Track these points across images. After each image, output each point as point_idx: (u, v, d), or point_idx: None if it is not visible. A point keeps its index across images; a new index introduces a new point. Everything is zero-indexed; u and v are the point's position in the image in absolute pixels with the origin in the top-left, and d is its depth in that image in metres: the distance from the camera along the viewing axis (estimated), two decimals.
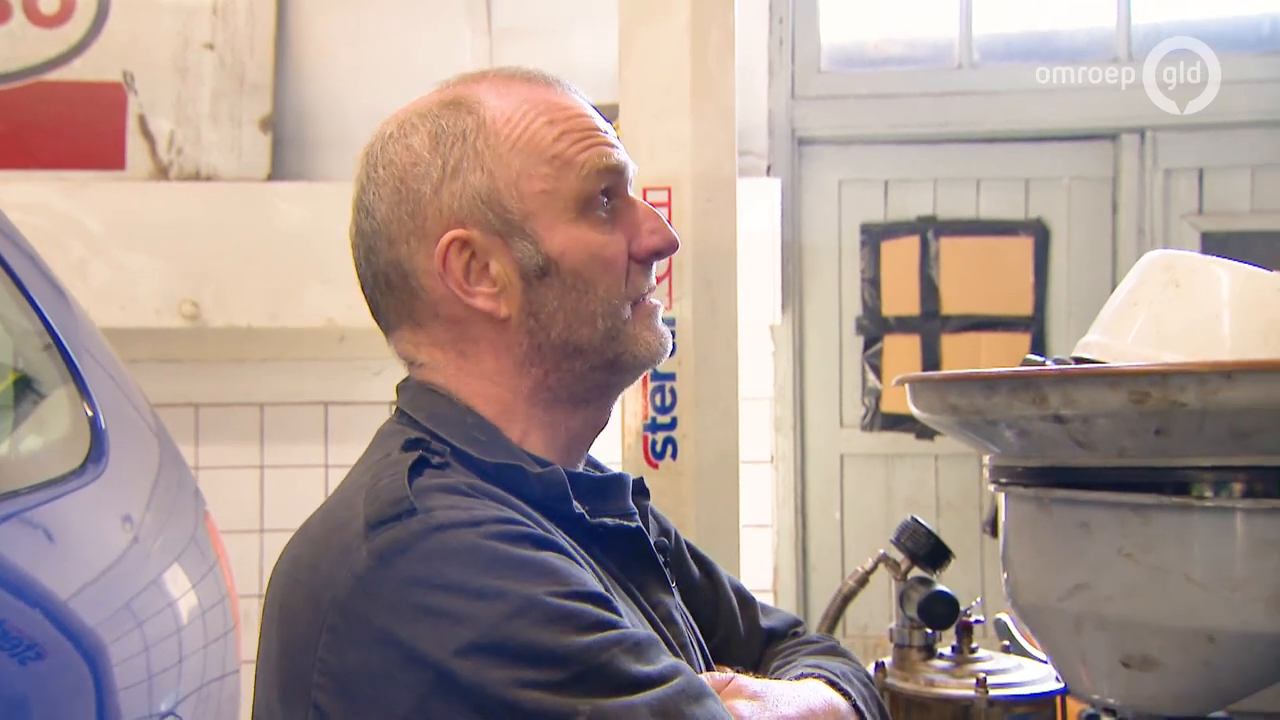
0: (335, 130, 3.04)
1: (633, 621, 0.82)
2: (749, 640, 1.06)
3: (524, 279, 0.87)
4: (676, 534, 1.06)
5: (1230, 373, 0.96)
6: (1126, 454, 1.06)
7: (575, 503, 0.86)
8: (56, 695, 1.16)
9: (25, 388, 1.31)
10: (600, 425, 0.95)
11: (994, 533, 2.90)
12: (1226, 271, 1.11)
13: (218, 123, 2.95)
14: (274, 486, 3.05)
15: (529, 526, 0.78)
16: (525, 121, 0.88)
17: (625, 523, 0.91)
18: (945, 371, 1.14)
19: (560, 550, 0.79)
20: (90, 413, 1.32)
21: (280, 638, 0.79)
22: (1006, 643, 1.49)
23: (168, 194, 2.87)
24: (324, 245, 2.82)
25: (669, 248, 0.91)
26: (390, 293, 0.90)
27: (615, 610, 0.77)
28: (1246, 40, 3.13)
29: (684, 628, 0.93)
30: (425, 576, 0.73)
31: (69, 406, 1.31)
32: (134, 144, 2.94)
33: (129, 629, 1.31)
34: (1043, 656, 1.43)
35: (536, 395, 0.89)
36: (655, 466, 1.90)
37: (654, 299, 0.92)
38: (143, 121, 2.96)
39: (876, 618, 3.02)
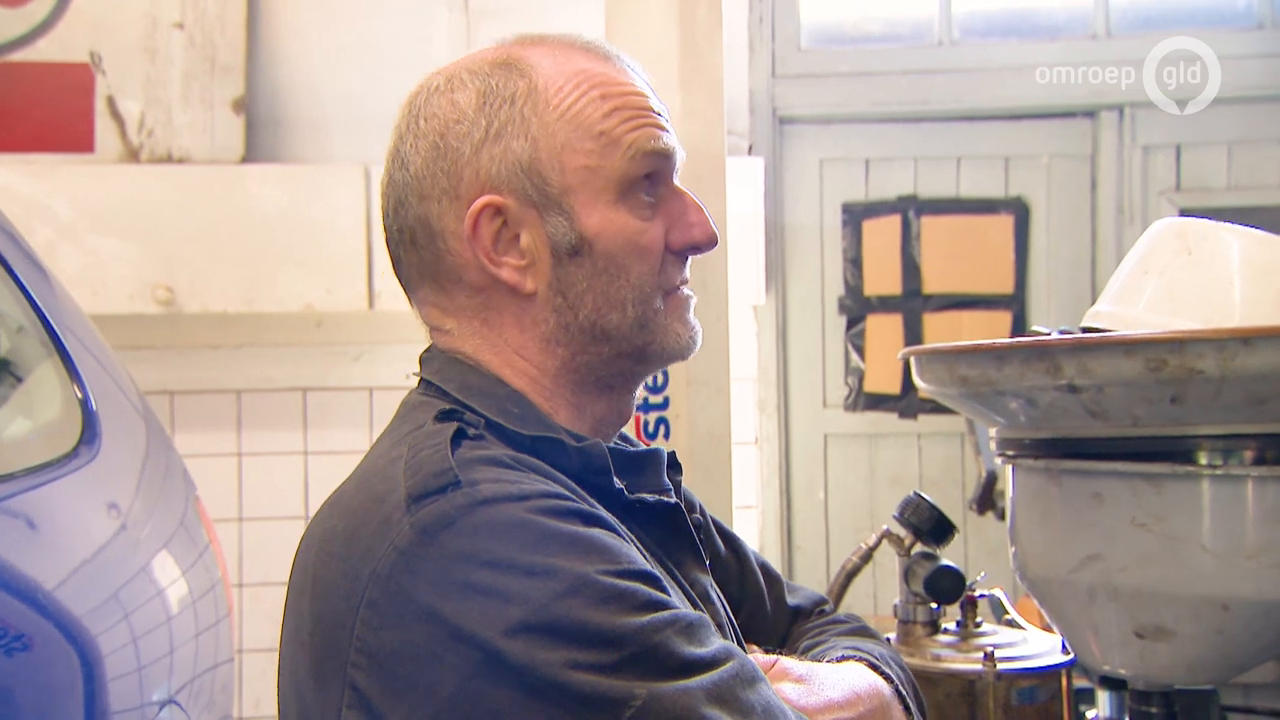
0: (310, 112, 2.98)
1: (683, 604, 0.80)
2: (775, 618, 1.04)
3: (554, 255, 0.84)
4: (702, 509, 1.04)
5: (1249, 339, 0.96)
6: (1140, 423, 1.05)
7: (615, 477, 0.84)
8: (45, 687, 1.12)
9: (9, 371, 1.27)
10: (625, 413, 0.92)
11: (980, 510, 2.91)
12: (1237, 238, 1.10)
13: (189, 104, 2.89)
14: (252, 474, 3.00)
15: (576, 501, 0.76)
16: (577, 93, 0.84)
17: (665, 499, 0.88)
18: (955, 343, 1.13)
19: (608, 526, 0.76)
20: (80, 395, 1.28)
21: (313, 612, 0.76)
22: (1008, 617, 1.49)
23: (138, 177, 2.80)
24: (300, 228, 2.77)
25: (708, 243, 0.88)
26: (414, 249, 0.87)
27: (665, 589, 0.75)
28: (1224, 15, 3.14)
29: (720, 607, 0.91)
30: (472, 552, 0.70)
31: (59, 389, 1.27)
32: (103, 126, 2.87)
33: (118, 618, 1.27)
34: (1027, 626, 1.43)
35: (563, 376, 0.87)
36: (648, 446, 1.88)
37: (687, 291, 0.89)
38: (111, 103, 2.89)
39: (859, 599, 3.03)
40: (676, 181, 0.89)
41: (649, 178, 0.86)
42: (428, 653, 0.69)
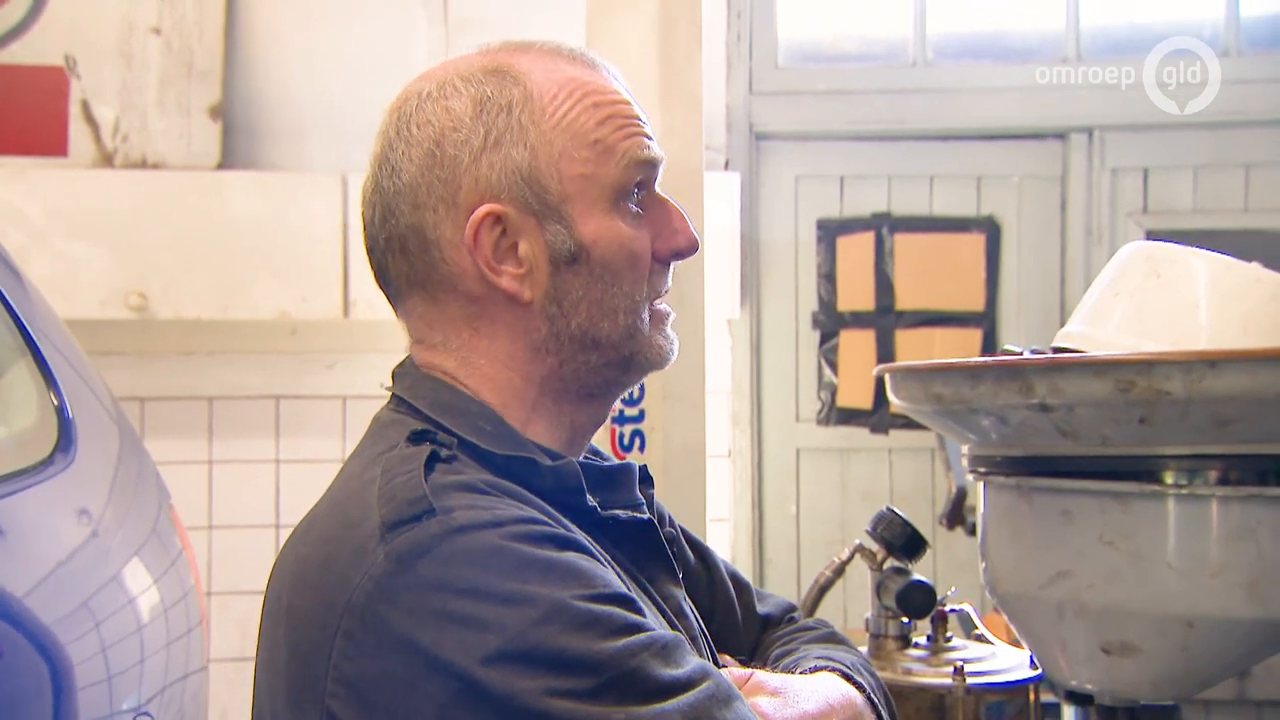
0: (287, 119, 2.97)
1: (658, 621, 0.80)
2: (746, 626, 1.05)
3: (552, 263, 0.84)
4: (672, 520, 1.05)
5: (1215, 361, 0.98)
6: (1109, 442, 1.07)
7: (588, 495, 0.84)
8: (12, 696, 1.11)
9: None
10: (601, 421, 0.93)
11: (950, 525, 2.93)
12: (1204, 262, 1.13)
13: (165, 110, 2.87)
14: (222, 482, 2.98)
15: (551, 526, 0.76)
16: (570, 101, 0.85)
17: (637, 515, 0.88)
18: (930, 361, 1.15)
19: (582, 549, 0.77)
20: (56, 402, 1.27)
21: (288, 641, 0.76)
22: (977, 632, 1.51)
23: (112, 182, 2.78)
24: (276, 236, 2.76)
25: (690, 249, 0.89)
26: (405, 258, 0.86)
27: (641, 611, 0.76)
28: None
29: (693, 620, 0.92)
30: (448, 581, 0.70)
31: (35, 396, 1.26)
32: (77, 130, 2.85)
33: (88, 627, 1.26)
34: (995, 641, 1.45)
35: (547, 384, 0.87)
36: (622, 459, 1.89)
37: (666, 305, 0.90)
38: (86, 107, 2.87)
39: (831, 612, 3.05)
40: (658, 189, 0.90)
41: (638, 186, 0.87)
42: (405, 682, 0.69)
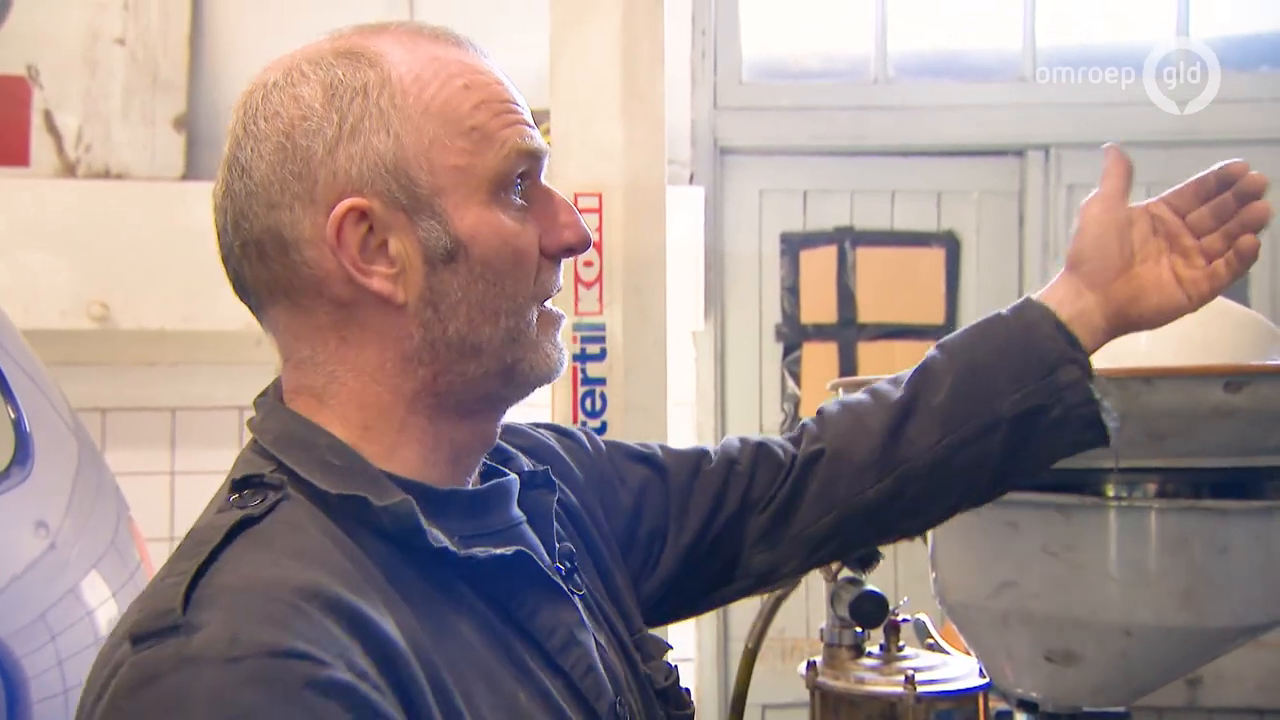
0: None
1: (526, 681, 0.75)
2: (702, 486, 1.02)
3: (427, 262, 0.76)
4: (604, 450, 1.00)
5: (1150, 378, 1.02)
6: None
7: (435, 534, 0.74)
8: None
9: None
10: (490, 440, 0.84)
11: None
12: None
13: (129, 120, 2.87)
14: (185, 493, 2.96)
15: (326, 662, 0.62)
16: (437, 83, 0.76)
17: (502, 550, 0.77)
18: (879, 376, 1.18)
19: (355, 686, 0.63)
20: (13, 415, 1.27)
21: None
22: (931, 641, 1.53)
23: (75, 192, 2.77)
24: None
25: (582, 245, 0.82)
26: (263, 264, 0.77)
27: None
28: (1144, 62, 3.27)
29: (588, 642, 0.82)
30: None
31: None
32: (39, 140, 2.84)
33: (45, 640, 1.26)
34: (950, 651, 1.48)
35: (419, 400, 0.79)
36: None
37: (558, 310, 0.83)
38: (48, 117, 2.86)
39: (794, 620, 3.07)
40: (543, 179, 0.83)
41: (520, 176, 0.80)
42: None
